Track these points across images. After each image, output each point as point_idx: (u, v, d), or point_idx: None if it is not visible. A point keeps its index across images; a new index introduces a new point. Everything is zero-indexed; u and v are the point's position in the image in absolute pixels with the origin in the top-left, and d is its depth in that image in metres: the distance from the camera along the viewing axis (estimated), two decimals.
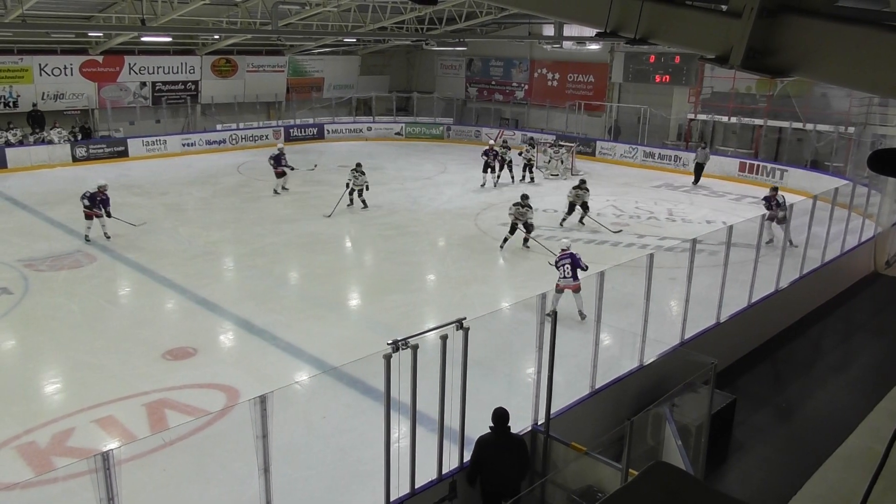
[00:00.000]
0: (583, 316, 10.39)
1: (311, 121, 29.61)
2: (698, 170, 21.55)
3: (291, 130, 28.61)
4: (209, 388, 8.60)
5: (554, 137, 25.17)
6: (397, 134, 30.08)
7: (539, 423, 6.62)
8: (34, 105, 23.37)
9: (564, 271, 10.58)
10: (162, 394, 8.38)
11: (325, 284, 12.66)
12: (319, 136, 29.23)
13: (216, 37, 24.60)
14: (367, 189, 17.43)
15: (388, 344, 5.28)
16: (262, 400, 4.75)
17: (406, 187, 20.41)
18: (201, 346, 9.73)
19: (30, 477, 6.82)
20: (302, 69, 30.15)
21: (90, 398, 8.25)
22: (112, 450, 4.34)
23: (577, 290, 10.55)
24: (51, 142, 23.01)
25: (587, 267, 10.49)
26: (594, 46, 24.99)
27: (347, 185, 17.24)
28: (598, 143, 26.04)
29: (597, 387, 7.57)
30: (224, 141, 26.75)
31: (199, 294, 11.70)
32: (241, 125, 27.72)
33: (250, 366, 9.28)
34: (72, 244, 14.29)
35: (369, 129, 30.11)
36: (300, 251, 14.31)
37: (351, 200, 17.32)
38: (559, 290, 10.60)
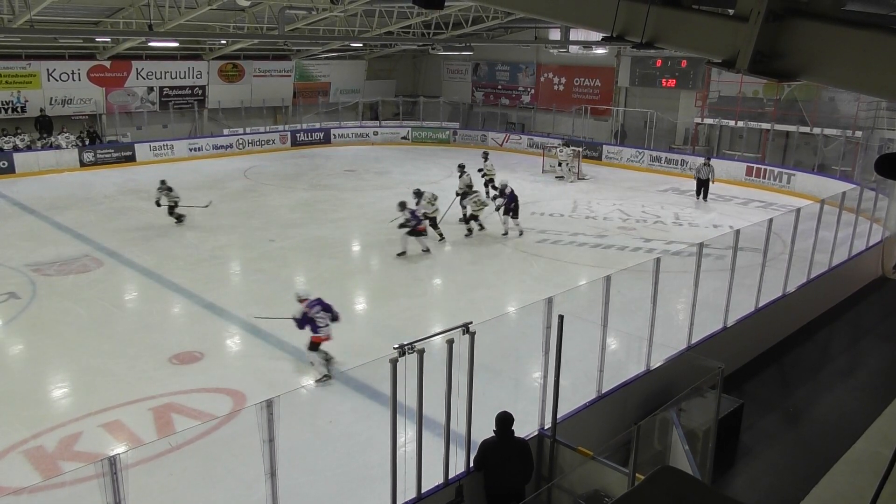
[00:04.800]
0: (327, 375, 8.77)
1: (317, 125, 29.71)
2: (701, 185, 19.86)
3: (298, 135, 28.72)
4: (216, 392, 8.62)
5: (562, 140, 25.16)
6: (403, 138, 30.13)
7: (546, 427, 6.61)
8: (42, 110, 23.51)
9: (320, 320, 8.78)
10: (169, 398, 8.40)
11: (331, 289, 12.62)
12: (326, 140, 29.33)
13: (223, 42, 24.71)
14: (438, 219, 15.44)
15: (394, 348, 5.28)
16: (269, 404, 4.76)
17: (410, 193, 20.38)
18: (208, 351, 9.76)
19: (37, 481, 6.85)
20: (308, 74, 30.25)
21: (97, 402, 8.28)
22: (119, 454, 4.35)
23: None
24: (59, 147, 23.15)
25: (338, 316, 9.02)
26: (601, 51, 25.01)
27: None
28: (604, 147, 26.02)
29: (603, 391, 7.55)
30: (231, 146, 26.86)
31: (205, 298, 11.73)
32: (248, 130, 27.84)
33: (257, 370, 9.29)
34: (79, 249, 14.36)
35: (376, 133, 30.17)
36: (307, 256, 14.34)
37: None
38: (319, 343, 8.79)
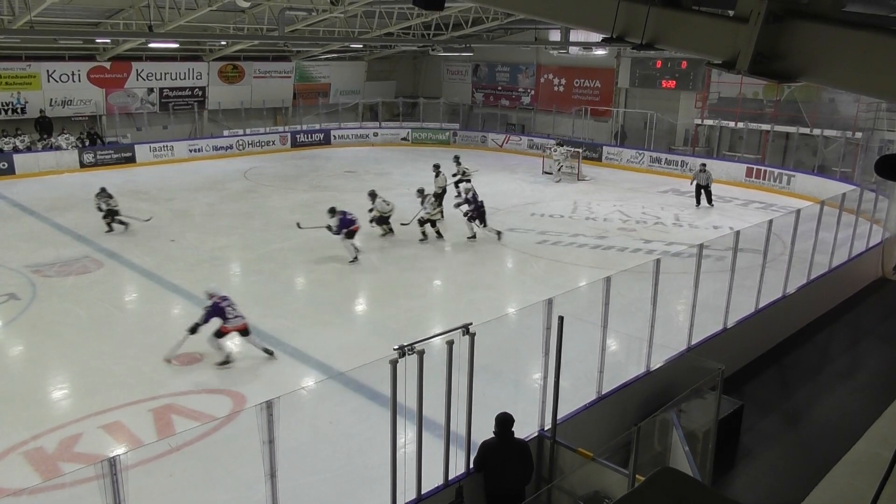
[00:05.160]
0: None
1: (317, 126, 29.72)
2: (700, 192, 19.06)
3: (298, 136, 28.73)
4: (216, 393, 8.62)
5: (556, 140, 25.19)
6: (403, 139, 30.15)
7: (546, 428, 6.61)
8: (41, 111, 23.52)
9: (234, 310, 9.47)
10: (169, 399, 8.40)
11: (331, 290, 12.67)
12: (326, 141, 29.34)
13: (223, 43, 24.73)
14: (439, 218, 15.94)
15: (394, 349, 5.28)
16: (269, 405, 4.75)
17: (412, 192, 20.37)
18: (208, 352, 9.74)
19: (37, 482, 6.84)
20: (308, 75, 30.26)
21: (97, 404, 8.27)
22: (119, 455, 4.35)
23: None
24: (59, 148, 23.16)
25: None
26: (600, 52, 25.03)
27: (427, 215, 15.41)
28: (604, 148, 26.03)
29: (604, 392, 7.55)
30: (231, 147, 26.86)
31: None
32: (248, 131, 27.85)
33: (257, 371, 9.29)
34: (79, 250, 14.36)
35: (375, 134, 30.19)
36: (307, 257, 14.32)
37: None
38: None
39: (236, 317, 9.47)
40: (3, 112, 23.00)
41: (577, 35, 24.61)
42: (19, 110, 23.30)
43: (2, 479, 6.89)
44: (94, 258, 13.82)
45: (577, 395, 7.47)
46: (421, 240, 15.28)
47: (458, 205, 15.74)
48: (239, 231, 16.04)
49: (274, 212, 17.88)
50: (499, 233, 15.55)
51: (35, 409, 8.30)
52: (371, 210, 15.42)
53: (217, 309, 9.38)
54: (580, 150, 23.81)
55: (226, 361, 9.40)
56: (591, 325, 7.65)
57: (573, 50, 26.06)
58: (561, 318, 6.37)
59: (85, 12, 20.14)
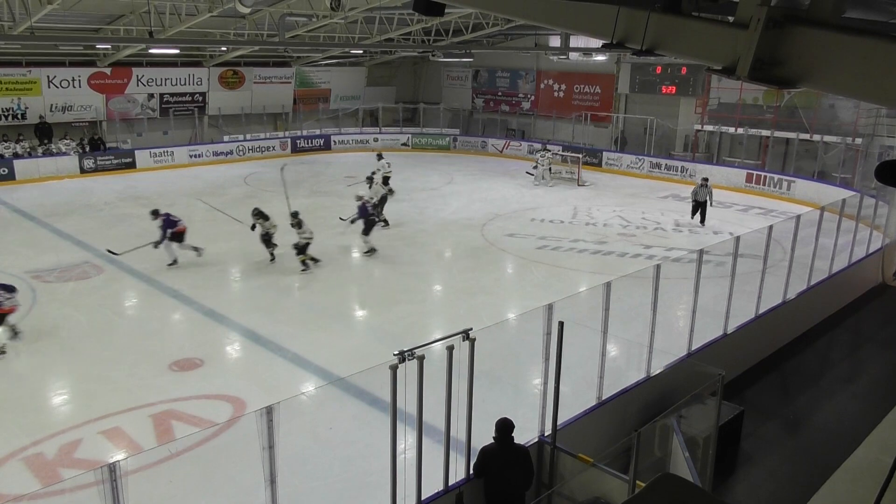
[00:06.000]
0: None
1: (317, 132, 29.77)
2: (697, 207, 17.74)
3: (298, 141, 28.77)
4: (216, 399, 8.60)
5: (541, 144, 25.33)
6: (403, 145, 30.18)
7: (546, 433, 6.59)
8: (41, 117, 23.57)
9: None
10: (168, 405, 8.39)
11: (331, 295, 12.67)
12: (326, 147, 29.39)
13: (223, 49, 24.80)
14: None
15: (394, 355, 5.28)
16: (269, 411, 4.75)
17: (413, 198, 20.45)
18: (208, 357, 9.75)
19: (37, 488, 6.83)
20: (309, 80, 30.33)
21: (97, 409, 8.27)
22: (119, 461, 4.34)
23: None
24: (61, 153, 23.20)
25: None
26: (601, 57, 25.10)
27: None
28: (604, 153, 26.07)
29: (604, 398, 7.54)
30: (231, 152, 26.90)
31: (205, 305, 11.73)
32: (249, 136, 27.89)
33: (257, 377, 9.28)
34: (79, 255, 14.36)
35: (376, 139, 30.23)
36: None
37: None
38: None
39: (11, 298, 10.19)
40: (3, 118, 23.03)
41: (577, 41, 24.66)
42: (20, 116, 23.33)
43: (2, 484, 6.88)
44: (95, 263, 13.82)
45: (577, 400, 7.45)
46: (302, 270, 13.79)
47: (353, 220, 15.13)
48: (238, 236, 16.03)
49: (274, 217, 17.84)
50: (370, 249, 14.69)
51: (35, 415, 8.29)
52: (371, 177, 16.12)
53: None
54: (580, 156, 23.85)
55: (2, 352, 10.02)
56: (592, 331, 7.64)
57: (573, 55, 26.12)
58: (561, 324, 6.37)
59: (85, 18, 20.19)
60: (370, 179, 18.23)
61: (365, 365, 6.40)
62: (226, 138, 27.30)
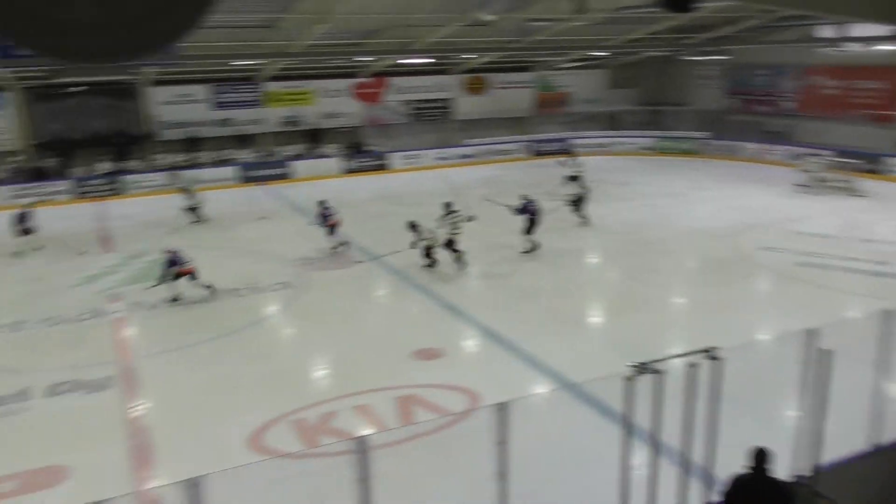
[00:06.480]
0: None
1: (557, 136, 29.96)
2: None
3: (538, 145, 29.26)
4: (454, 389, 9.05)
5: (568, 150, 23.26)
6: (647, 148, 29.10)
7: (802, 474, 5.87)
8: (313, 125, 27.05)
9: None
10: (411, 390, 9.02)
11: (567, 298, 12.64)
12: (565, 150, 29.41)
13: (471, 56, 26.08)
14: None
15: (629, 366, 5.08)
16: (502, 407, 4.85)
17: (656, 204, 19.63)
18: (448, 349, 10.30)
19: (299, 449, 7.78)
20: (550, 84, 30.68)
21: (350, 387, 9.18)
22: (367, 435, 4.74)
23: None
24: (328, 156, 26.42)
25: None
26: (885, 47, 21.73)
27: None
28: (885, 159, 22.57)
29: (882, 443, 6.49)
30: (473, 155, 28.26)
31: (447, 299, 12.42)
32: (491, 140, 29.03)
33: (492, 372, 9.58)
34: (341, 248, 16.03)
35: (617, 143, 29.56)
36: (543, 264, 14.44)
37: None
38: None
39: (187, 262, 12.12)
40: (282, 125, 26.81)
41: (855, 30, 21.66)
42: (294, 123, 27.03)
43: (274, 441, 7.95)
44: (353, 256, 15.35)
45: (840, 442, 6.52)
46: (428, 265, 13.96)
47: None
48: (478, 237, 16.63)
49: (511, 221, 18.25)
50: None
51: (300, 386, 9.46)
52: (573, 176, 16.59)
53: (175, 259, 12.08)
54: (853, 162, 20.94)
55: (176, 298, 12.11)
56: (861, 363, 6.65)
57: (850, 47, 22.98)
58: (828, 352, 5.62)
59: (349, 34, 22.55)
60: (572, 178, 19.28)
61: (598, 372, 6.29)
62: (469, 141, 28.70)
